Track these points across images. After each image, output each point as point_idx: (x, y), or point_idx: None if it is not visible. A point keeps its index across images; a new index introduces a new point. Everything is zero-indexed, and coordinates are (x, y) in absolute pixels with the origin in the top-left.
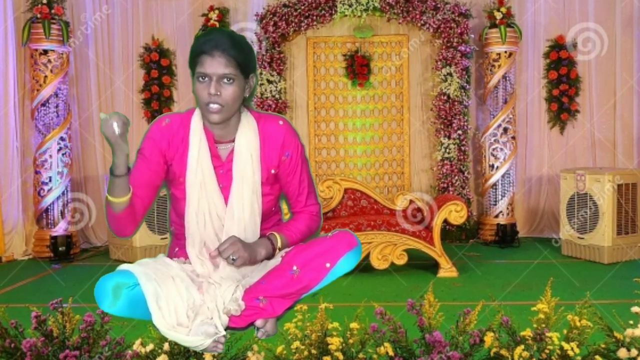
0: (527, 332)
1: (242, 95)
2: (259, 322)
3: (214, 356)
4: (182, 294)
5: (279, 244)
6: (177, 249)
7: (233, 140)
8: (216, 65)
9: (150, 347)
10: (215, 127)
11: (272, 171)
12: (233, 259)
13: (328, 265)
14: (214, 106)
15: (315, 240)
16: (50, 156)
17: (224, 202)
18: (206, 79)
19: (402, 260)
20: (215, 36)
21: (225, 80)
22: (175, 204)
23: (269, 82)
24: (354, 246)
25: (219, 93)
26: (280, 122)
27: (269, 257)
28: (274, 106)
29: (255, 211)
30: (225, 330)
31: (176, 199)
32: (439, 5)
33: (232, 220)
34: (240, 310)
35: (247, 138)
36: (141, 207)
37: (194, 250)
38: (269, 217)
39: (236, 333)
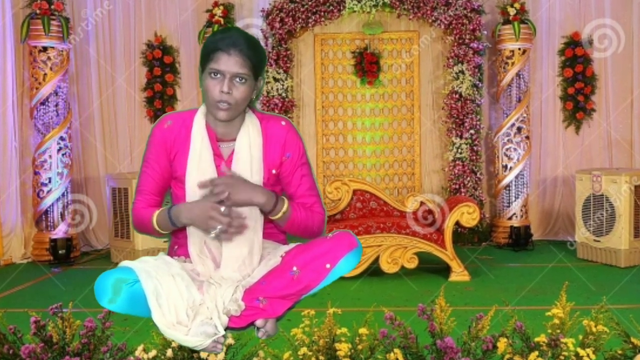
0: (542, 338)
1: (250, 96)
2: (259, 322)
3: None
4: (182, 292)
5: (283, 210)
6: (176, 247)
7: (235, 139)
8: (232, 63)
9: (152, 353)
10: (219, 125)
11: (273, 171)
12: (221, 201)
13: (328, 266)
14: (224, 104)
15: (315, 241)
16: (50, 156)
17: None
18: (219, 75)
19: (412, 264)
20: (233, 34)
21: (238, 79)
22: (175, 203)
23: (276, 80)
24: (354, 247)
25: (230, 92)
26: (283, 123)
27: (264, 211)
28: (280, 105)
29: (256, 210)
30: (225, 330)
31: (177, 197)
32: (450, 1)
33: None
34: (240, 310)
35: (249, 137)
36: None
37: (195, 249)
38: (270, 221)
39: (242, 339)
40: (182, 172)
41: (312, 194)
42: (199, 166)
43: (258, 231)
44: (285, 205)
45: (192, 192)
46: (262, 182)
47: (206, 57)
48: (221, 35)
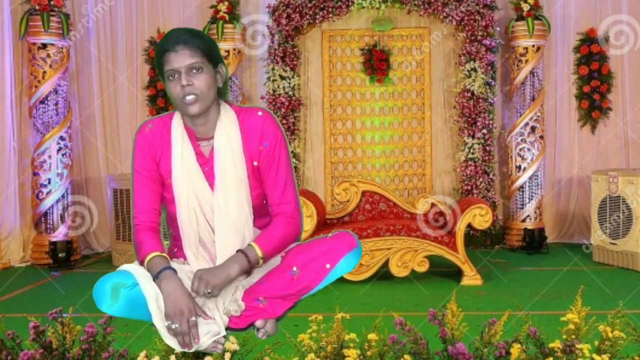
0: (556, 344)
1: (214, 84)
2: (258, 323)
3: None
4: None
5: (259, 253)
6: (175, 249)
7: (213, 137)
8: (182, 58)
9: (155, 359)
10: (197, 124)
11: (255, 163)
12: (209, 292)
13: (328, 266)
14: (189, 97)
15: (315, 240)
16: (50, 157)
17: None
18: (175, 75)
19: (423, 268)
20: (174, 33)
21: (194, 70)
22: (167, 207)
23: (282, 78)
24: (354, 247)
25: (191, 83)
26: (260, 113)
27: (247, 271)
28: (287, 104)
29: (244, 204)
30: (226, 330)
31: (167, 201)
32: None
33: (220, 215)
34: (240, 310)
35: (226, 132)
36: (160, 222)
37: (190, 250)
38: (262, 214)
39: (247, 345)
40: (168, 175)
41: (287, 187)
42: (182, 166)
43: (249, 227)
44: (259, 253)
45: (179, 193)
46: (245, 175)
47: (160, 65)
48: (165, 39)
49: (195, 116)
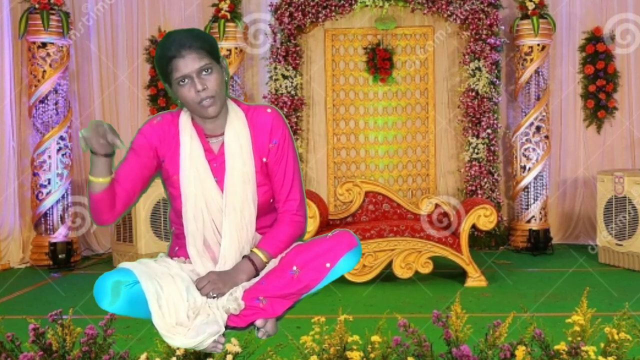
0: (562, 346)
1: (223, 80)
2: (259, 322)
3: None
4: (183, 294)
5: (264, 259)
6: (177, 248)
7: (223, 134)
8: (191, 63)
9: None
10: (206, 121)
11: (264, 159)
12: (214, 296)
13: (328, 265)
14: (207, 101)
15: (315, 240)
16: (49, 157)
17: (221, 194)
18: (186, 80)
19: (427, 269)
20: (175, 37)
21: (204, 72)
22: (172, 203)
23: (284, 77)
24: (354, 246)
25: (205, 87)
26: (269, 110)
27: (253, 277)
28: (289, 103)
29: (250, 200)
30: (226, 329)
31: (173, 197)
32: None
33: (229, 211)
34: (239, 309)
35: (235, 129)
36: (123, 198)
37: (194, 248)
38: (267, 212)
39: (249, 347)
40: (175, 171)
41: (294, 184)
42: (191, 163)
43: (252, 224)
44: (264, 257)
45: (187, 190)
46: (254, 171)
47: (166, 73)
48: (167, 45)
49: (213, 117)
